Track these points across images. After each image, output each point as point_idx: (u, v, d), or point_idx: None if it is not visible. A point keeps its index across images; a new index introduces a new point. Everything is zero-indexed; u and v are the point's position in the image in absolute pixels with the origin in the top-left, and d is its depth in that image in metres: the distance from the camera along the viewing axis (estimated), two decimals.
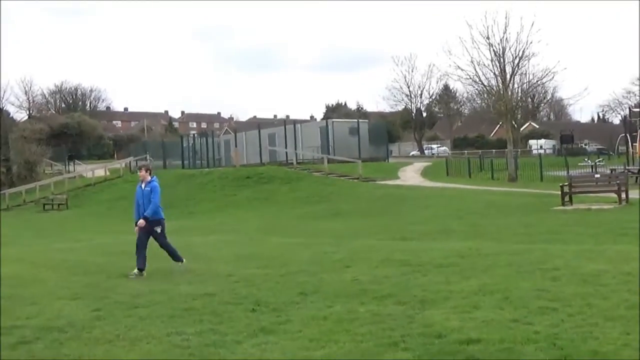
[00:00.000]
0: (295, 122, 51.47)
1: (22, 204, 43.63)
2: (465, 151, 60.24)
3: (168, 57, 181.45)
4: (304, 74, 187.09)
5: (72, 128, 72.29)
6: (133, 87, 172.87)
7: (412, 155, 70.70)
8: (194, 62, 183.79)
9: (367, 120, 54.59)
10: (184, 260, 11.44)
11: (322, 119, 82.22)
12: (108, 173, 47.55)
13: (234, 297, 8.41)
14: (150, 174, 11.47)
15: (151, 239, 11.33)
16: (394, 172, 38.83)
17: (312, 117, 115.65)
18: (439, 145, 77.40)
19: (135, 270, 10.89)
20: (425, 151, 74.99)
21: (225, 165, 47.86)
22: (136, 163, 44.64)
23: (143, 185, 11.33)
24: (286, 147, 44.72)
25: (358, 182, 33.47)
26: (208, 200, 32.95)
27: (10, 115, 74.64)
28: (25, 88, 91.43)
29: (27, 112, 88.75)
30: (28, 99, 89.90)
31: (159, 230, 11.28)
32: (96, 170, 49.14)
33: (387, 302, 7.69)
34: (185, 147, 53.30)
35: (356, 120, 51.09)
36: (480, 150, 56.36)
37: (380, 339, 6.00)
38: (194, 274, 10.73)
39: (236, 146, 48.10)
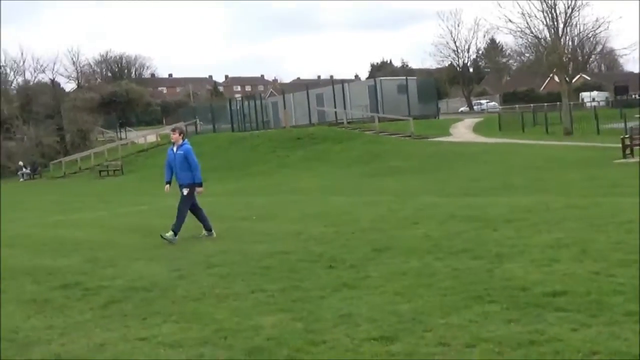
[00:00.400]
0: (343, 81, 50.90)
1: (78, 171, 44.70)
2: (517, 105, 58.99)
3: (205, 21, 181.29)
4: (345, 33, 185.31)
5: (121, 96, 73.09)
6: (175, 54, 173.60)
7: (461, 111, 69.58)
8: (233, 26, 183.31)
9: (415, 78, 53.77)
10: (177, 239, 10.69)
11: (368, 77, 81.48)
12: (159, 139, 48.11)
13: (308, 255, 8.50)
14: (183, 137, 11.15)
15: (202, 205, 11.17)
16: (445, 128, 38.42)
17: (356, 76, 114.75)
18: (488, 101, 75.94)
19: (204, 232, 11.07)
20: (475, 107, 73.81)
21: (274, 127, 47.91)
22: (186, 128, 45.10)
23: (175, 149, 11.09)
24: (335, 107, 44.48)
25: (410, 139, 33.25)
26: (262, 162, 33.15)
27: (61, 86, 76.07)
28: (73, 59, 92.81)
29: (76, 82, 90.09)
30: (76, 69, 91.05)
31: (185, 192, 10.96)
32: (148, 136, 49.83)
33: (462, 257, 7.69)
34: (233, 110, 53.39)
35: (404, 77, 50.42)
36: (531, 105, 55.06)
37: (464, 293, 6.01)
38: (263, 234, 10.88)
39: (285, 107, 48.04)
